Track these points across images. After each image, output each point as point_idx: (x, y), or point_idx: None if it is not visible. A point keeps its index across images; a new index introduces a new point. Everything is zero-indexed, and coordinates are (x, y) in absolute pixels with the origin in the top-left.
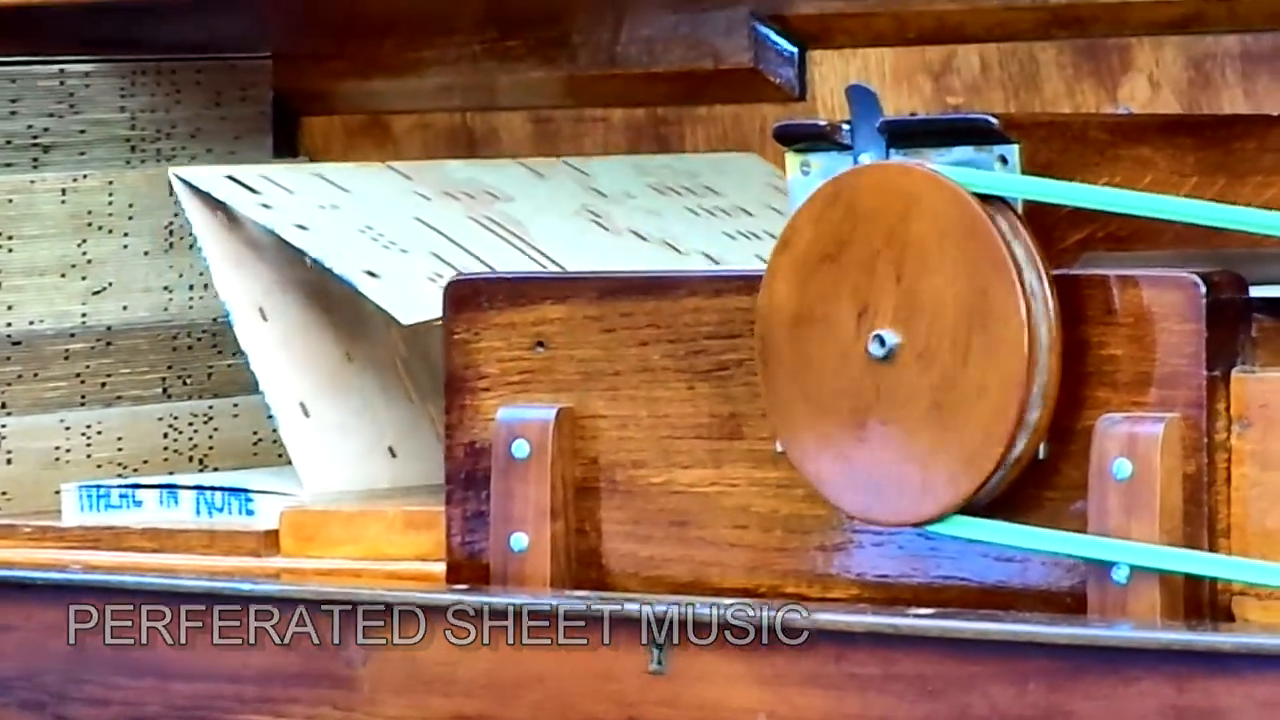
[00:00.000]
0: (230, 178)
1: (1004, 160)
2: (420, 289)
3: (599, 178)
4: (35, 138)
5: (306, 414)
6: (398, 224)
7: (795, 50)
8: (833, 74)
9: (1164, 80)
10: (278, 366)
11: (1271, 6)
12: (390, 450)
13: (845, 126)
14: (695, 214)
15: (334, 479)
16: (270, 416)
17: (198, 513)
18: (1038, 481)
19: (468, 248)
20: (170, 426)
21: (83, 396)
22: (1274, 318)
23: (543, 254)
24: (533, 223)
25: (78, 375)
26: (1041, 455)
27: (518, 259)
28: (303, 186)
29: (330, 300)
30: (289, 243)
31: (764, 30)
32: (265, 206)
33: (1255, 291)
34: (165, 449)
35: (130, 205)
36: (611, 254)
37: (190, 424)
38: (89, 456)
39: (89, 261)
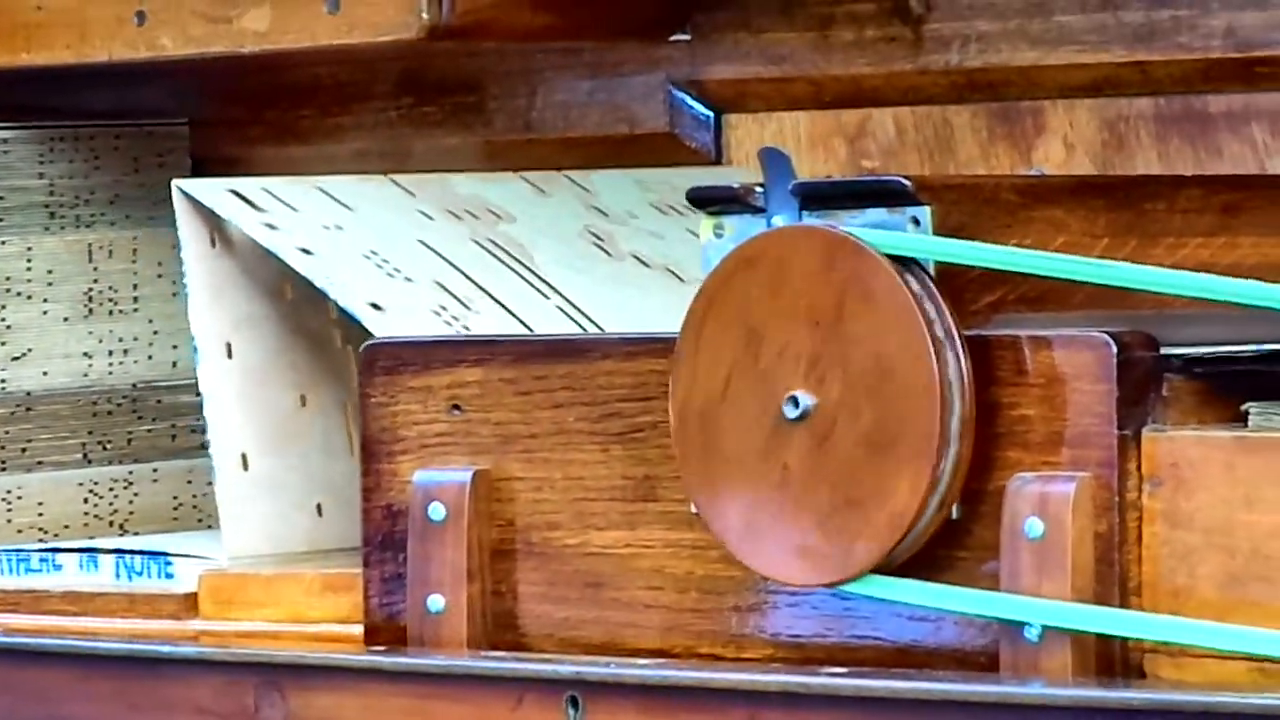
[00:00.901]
0: (233, 191)
1: (916, 222)
2: (424, 325)
3: (601, 194)
4: None
5: (246, 467)
6: (402, 248)
7: (711, 115)
8: (748, 138)
9: (1078, 142)
10: (228, 413)
11: (1183, 69)
12: (318, 508)
13: (759, 189)
14: (697, 236)
15: (256, 541)
16: (189, 483)
17: (117, 576)
18: (951, 542)
19: (471, 275)
20: (90, 492)
21: (3, 462)
22: (1184, 377)
23: (546, 282)
24: (536, 246)
25: None
26: (954, 515)
27: (521, 287)
28: (306, 203)
29: (296, 336)
30: (281, 268)
31: (680, 95)
32: (270, 227)
33: (1166, 351)
34: (85, 514)
35: (49, 271)
36: (615, 281)
37: (110, 489)
38: (9, 521)
39: (8, 327)
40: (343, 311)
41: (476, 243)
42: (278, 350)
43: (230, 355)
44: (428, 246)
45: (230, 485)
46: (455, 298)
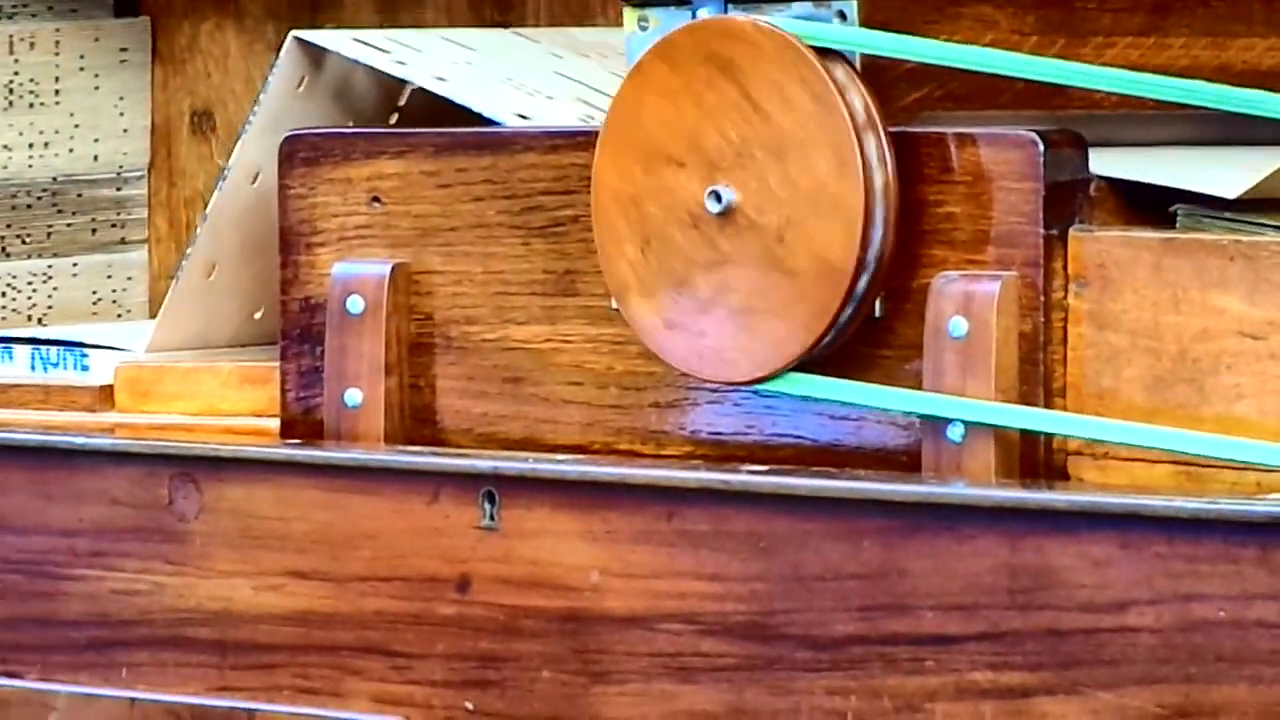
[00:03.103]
0: (357, 39)
1: (843, 16)
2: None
3: None
4: None
5: (209, 274)
6: (537, 76)
7: None
8: None
9: None
10: (222, 228)
11: None
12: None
13: None
14: None
15: (183, 338)
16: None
17: (33, 368)
18: (874, 340)
19: (612, 94)
20: (9, 285)
21: None
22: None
23: None
24: None
25: None
26: (878, 313)
27: None
28: (430, 47)
29: None
30: (429, 93)
31: None
32: (400, 63)
33: (1095, 158)
34: (3, 308)
35: None
36: None
37: (29, 283)
38: None
39: None
40: None
41: (614, 75)
42: None
43: (254, 182)
44: (564, 75)
45: (189, 289)
46: (600, 111)
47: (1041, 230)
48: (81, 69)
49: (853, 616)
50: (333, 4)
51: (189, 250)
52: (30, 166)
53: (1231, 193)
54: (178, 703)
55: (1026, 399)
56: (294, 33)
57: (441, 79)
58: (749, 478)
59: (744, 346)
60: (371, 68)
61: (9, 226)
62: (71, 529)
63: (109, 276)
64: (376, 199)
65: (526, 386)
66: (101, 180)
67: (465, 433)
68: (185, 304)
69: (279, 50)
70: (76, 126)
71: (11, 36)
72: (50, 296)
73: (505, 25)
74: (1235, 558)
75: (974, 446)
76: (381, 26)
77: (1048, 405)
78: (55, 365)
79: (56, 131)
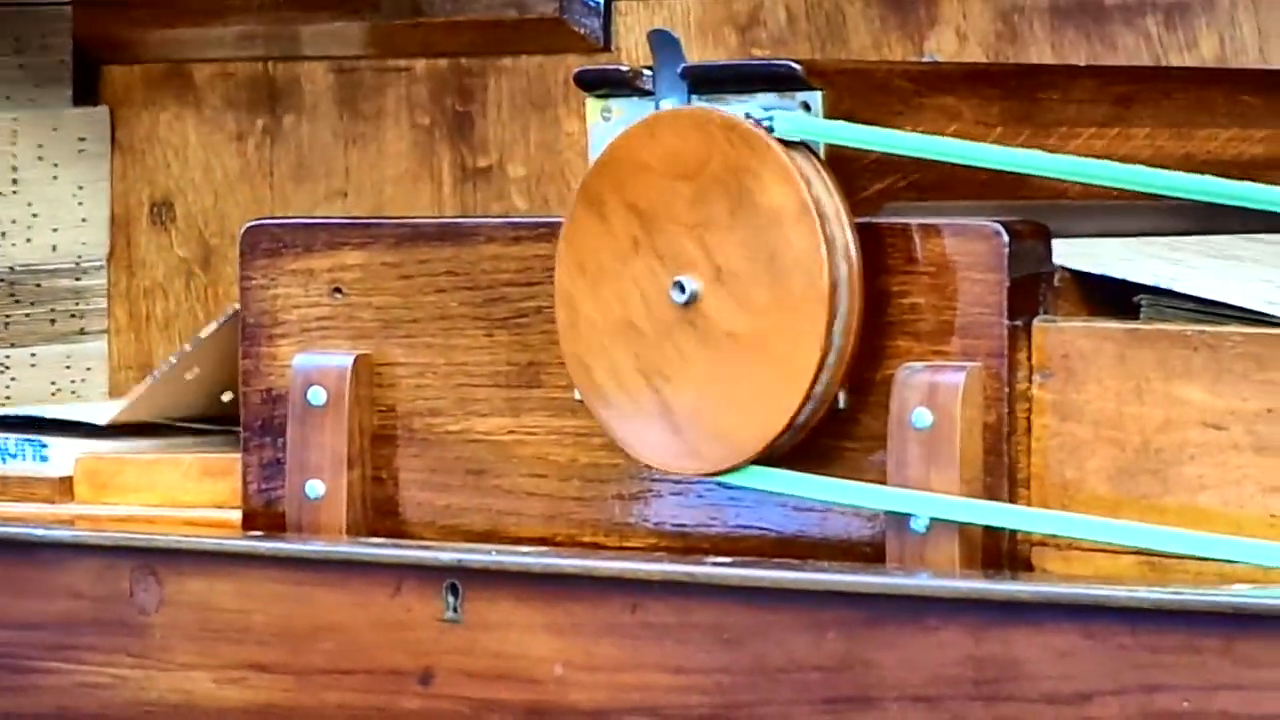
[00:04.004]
0: None
1: (807, 107)
2: None
3: None
4: None
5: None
6: None
7: (600, 1)
8: (638, 25)
9: (971, 33)
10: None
11: None
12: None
13: (648, 72)
14: None
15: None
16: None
17: None
18: (838, 432)
19: None
20: None
21: None
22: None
23: None
24: None
25: None
26: (841, 405)
27: None
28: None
29: None
30: None
31: None
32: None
33: (1058, 249)
34: None
35: None
36: None
37: None
38: None
39: None
40: None
41: None
42: None
43: None
44: None
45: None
46: None
47: (1006, 321)
48: (40, 159)
49: (817, 708)
50: (292, 94)
51: (173, 358)
52: None
53: None
54: None
55: (991, 490)
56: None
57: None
58: (713, 569)
59: (708, 439)
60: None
61: None
62: (35, 623)
63: (68, 367)
64: (338, 290)
65: (489, 478)
66: (60, 270)
67: (428, 525)
68: (159, 389)
69: (239, 139)
70: (35, 216)
71: None
72: (8, 387)
73: (468, 115)
74: (1199, 648)
75: (938, 538)
76: (341, 119)
77: (1012, 496)
78: (14, 456)
79: (14, 221)
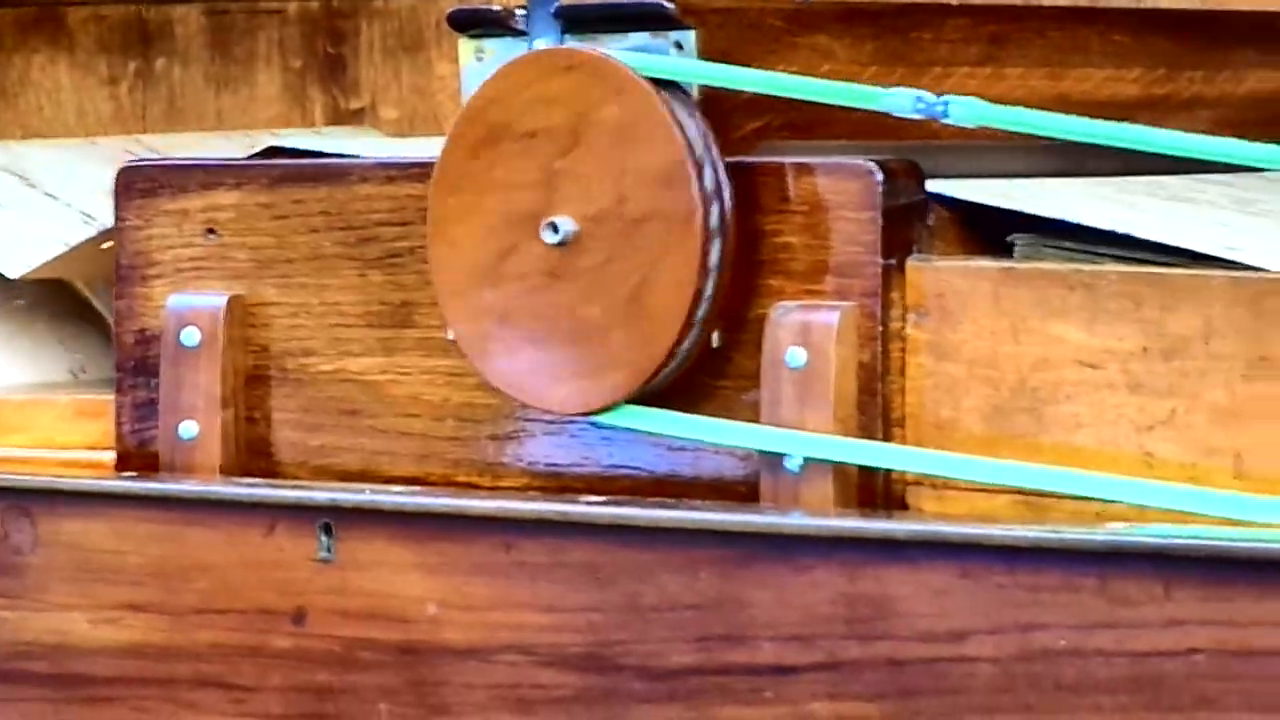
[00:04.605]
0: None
1: (680, 46)
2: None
3: None
4: None
5: None
6: None
7: None
8: None
9: None
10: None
11: None
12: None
13: (520, 12)
14: None
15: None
16: None
17: None
18: (711, 371)
19: None
20: None
21: None
22: (950, 208)
23: None
24: None
25: None
26: (715, 344)
27: None
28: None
29: None
30: None
31: None
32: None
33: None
34: None
35: None
36: None
37: None
38: None
39: None
40: None
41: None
42: None
43: None
44: None
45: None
46: None
47: (880, 260)
48: None
49: (690, 647)
50: (164, 37)
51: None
52: None
53: None
54: None
55: (865, 429)
56: None
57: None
58: (586, 508)
59: (580, 378)
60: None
61: None
62: None
63: None
64: (212, 231)
65: (363, 418)
66: None
67: (302, 465)
68: (76, 253)
69: (112, 83)
70: None
71: None
72: None
73: (340, 58)
74: (1076, 587)
75: (812, 477)
76: (213, 62)
77: (886, 435)
78: None
79: None
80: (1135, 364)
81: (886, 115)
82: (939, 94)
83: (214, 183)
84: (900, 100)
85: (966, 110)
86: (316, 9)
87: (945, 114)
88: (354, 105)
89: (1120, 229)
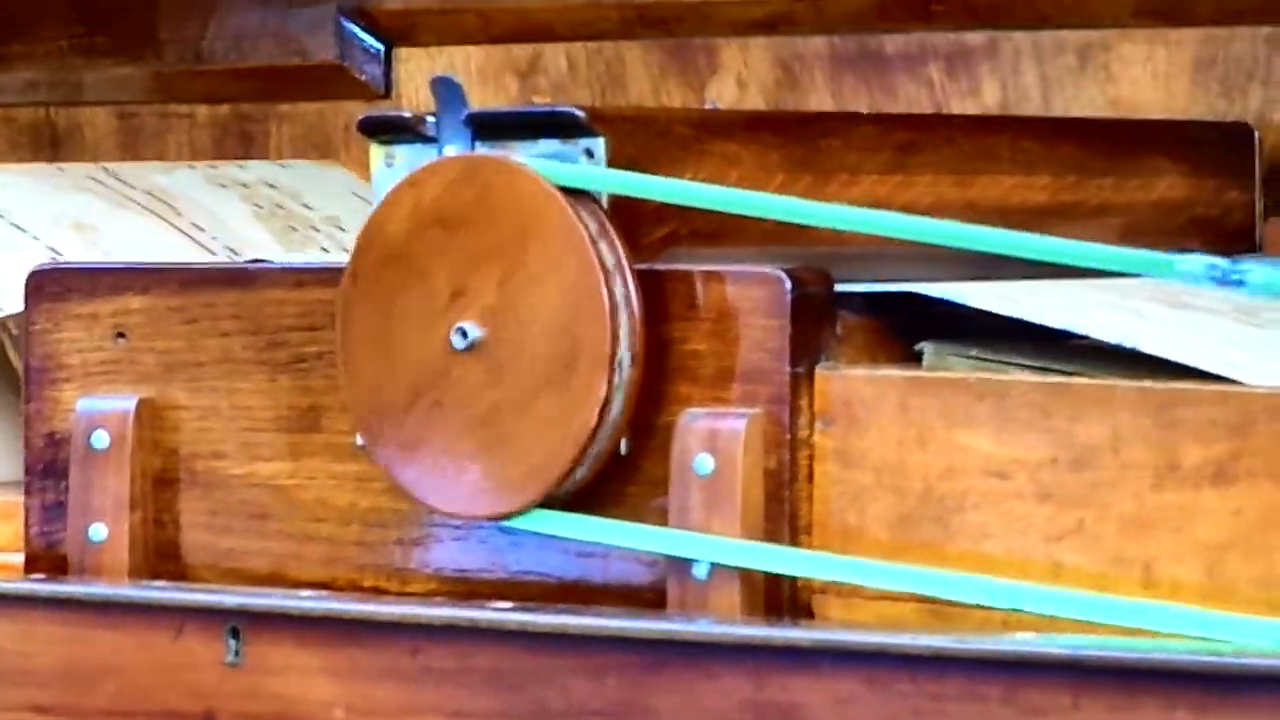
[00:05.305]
0: None
1: (590, 154)
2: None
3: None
4: None
5: None
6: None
7: (381, 47)
8: (419, 72)
9: (751, 81)
10: None
11: (857, 9)
12: None
13: (430, 118)
14: None
15: None
16: None
17: None
18: (620, 477)
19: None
20: None
21: None
22: (859, 315)
23: None
24: None
25: None
26: (624, 450)
27: None
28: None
29: None
30: None
31: (350, 27)
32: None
33: (841, 288)
34: None
35: None
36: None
37: None
38: None
39: None
40: None
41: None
42: None
43: None
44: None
45: None
46: None
47: (787, 368)
48: None
49: None
50: (74, 140)
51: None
52: None
53: None
54: None
55: (772, 536)
56: None
57: None
58: (493, 614)
59: (489, 483)
60: None
61: None
62: None
63: None
64: (121, 334)
65: (272, 522)
66: None
67: (210, 568)
68: None
69: None
70: None
71: None
72: None
73: (248, 159)
74: (981, 696)
75: (719, 585)
76: (123, 159)
77: (793, 542)
78: None
79: None
80: (1044, 474)
81: (795, 222)
82: (845, 201)
83: (124, 286)
84: (1193, 268)
85: (1265, 279)
86: (226, 112)
87: (1243, 284)
88: None
89: (1127, 344)
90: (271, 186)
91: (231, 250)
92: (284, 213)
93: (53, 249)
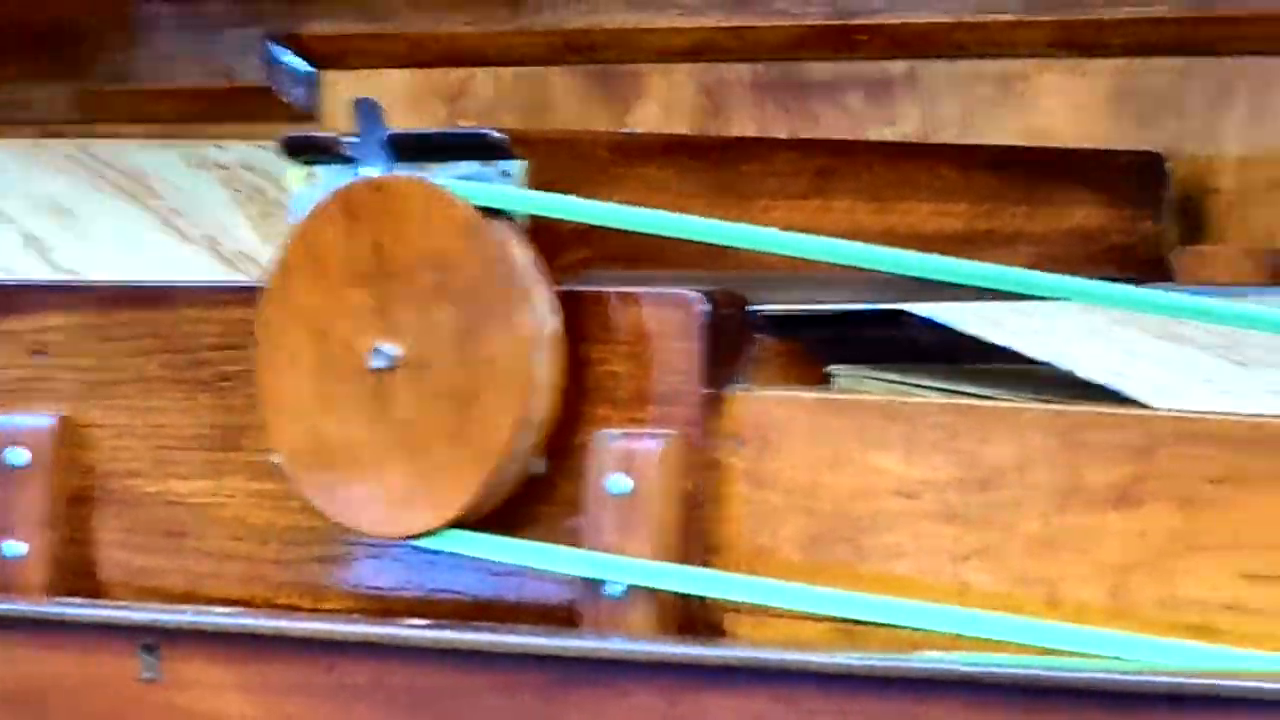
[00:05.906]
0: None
1: (508, 176)
2: None
3: None
4: None
5: None
6: None
7: (309, 71)
8: (348, 95)
9: (675, 107)
10: None
11: (781, 37)
12: None
13: (350, 139)
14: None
15: None
16: None
17: None
18: (535, 497)
19: None
20: None
21: None
22: (774, 337)
23: None
24: None
25: None
26: (540, 470)
27: None
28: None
29: None
30: None
31: (278, 50)
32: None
33: (755, 309)
34: None
35: None
36: None
37: None
38: None
39: None
40: None
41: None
42: None
43: None
44: None
45: None
46: None
47: (702, 389)
48: None
49: None
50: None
51: None
52: None
53: None
54: None
55: (686, 556)
56: None
57: None
58: (408, 631)
59: (404, 503)
60: None
61: None
62: None
63: None
64: (40, 351)
65: (189, 540)
66: None
67: (126, 586)
68: None
69: None
70: None
71: None
72: None
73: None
74: (888, 713)
75: (633, 603)
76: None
77: (706, 563)
78: None
79: None
80: (951, 494)
81: (714, 245)
82: (764, 225)
83: (42, 304)
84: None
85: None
86: (156, 131)
87: None
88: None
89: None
90: (250, 169)
91: (211, 238)
92: (262, 197)
93: (30, 235)
